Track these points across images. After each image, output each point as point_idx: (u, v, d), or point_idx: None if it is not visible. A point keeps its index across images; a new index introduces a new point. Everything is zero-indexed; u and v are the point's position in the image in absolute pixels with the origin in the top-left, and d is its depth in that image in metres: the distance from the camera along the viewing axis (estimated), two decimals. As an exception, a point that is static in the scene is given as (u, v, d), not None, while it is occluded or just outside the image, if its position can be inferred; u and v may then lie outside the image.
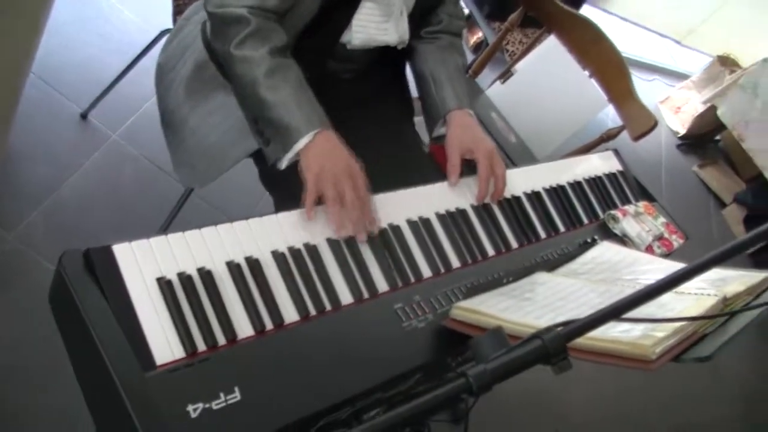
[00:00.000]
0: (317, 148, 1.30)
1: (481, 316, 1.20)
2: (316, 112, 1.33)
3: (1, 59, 1.56)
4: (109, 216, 2.00)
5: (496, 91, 2.37)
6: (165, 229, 1.82)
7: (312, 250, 1.20)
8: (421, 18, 1.65)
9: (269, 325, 1.07)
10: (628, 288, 1.33)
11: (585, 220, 1.75)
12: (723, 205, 4.44)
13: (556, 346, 0.86)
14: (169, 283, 1.02)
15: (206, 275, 1.06)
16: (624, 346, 1.00)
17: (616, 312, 0.91)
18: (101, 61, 2.34)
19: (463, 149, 1.53)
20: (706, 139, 4.80)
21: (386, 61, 1.70)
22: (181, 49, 1.61)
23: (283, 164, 1.34)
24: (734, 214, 4.32)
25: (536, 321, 1.16)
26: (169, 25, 1.85)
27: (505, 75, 2.36)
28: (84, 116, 2.20)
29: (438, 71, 1.66)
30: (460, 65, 1.71)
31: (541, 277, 1.42)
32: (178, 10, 1.80)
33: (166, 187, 2.19)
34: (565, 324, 0.89)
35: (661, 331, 1.01)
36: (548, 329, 0.87)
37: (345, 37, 1.53)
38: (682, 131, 4.68)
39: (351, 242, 1.25)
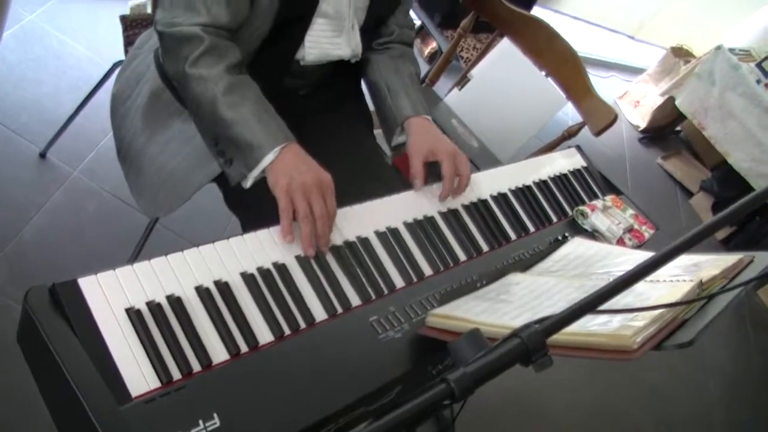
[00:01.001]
0: (283, 162, 1.27)
1: (458, 321, 1.19)
2: (279, 127, 1.31)
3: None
4: (75, 253, 1.97)
5: (454, 98, 2.37)
6: (133, 261, 1.80)
7: (281, 268, 1.18)
8: (372, 30, 1.64)
9: (244, 347, 1.05)
10: (602, 281, 1.33)
11: (554, 219, 1.75)
12: (690, 194, 4.49)
13: (535, 343, 0.86)
14: (138, 312, 1.00)
15: (176, 302, 1.04)
16: (604, 339, 1.00)
17: (592, 304, 0.91)
18: (55, 98, 2.31)
19: (425, 153, 1.53)
20: (667, 131, 4.86)
21: (341, 74, 1.70)
22: (135, 78, 1.59)
23: (248, 183, 1.32)
24: (702, 203, 4.37)
25: (513, 321, 1.16)
26: (122, 56, 1.83)
27: (462, 81, 2.37)
28: (43, 155, 2.17)
29: (392, 80, 1.66)
30: (413, 73, 1.71)
31: (514, 277, 1.42)
32: (128, 41, 1.78)
33: (131, 219, 2.16)
34: (542, 320, 0.89)
35: (640, 320, 1.01)
36: (526, 326, 0.87)
37: (299, 54, 1.52)
38: (643, 125, 4.73)
39: (321, 258, 1.24)
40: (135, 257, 1.84)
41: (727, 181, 4.21)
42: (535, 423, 2.56)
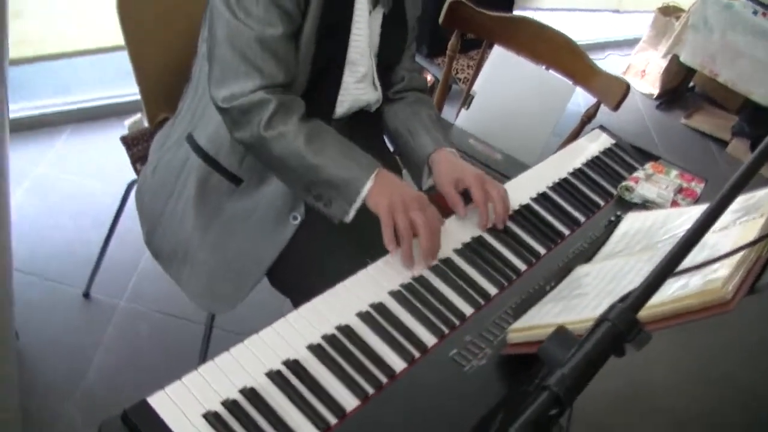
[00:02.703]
0: (380, 186, 1.33)
1: (539, 330, 1.14)
2: (366, 158, 1.37)
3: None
4: (142, 379, 1.94)
5: (464, 119, 2.34)
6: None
7: (346, 330, 1.14)
8: (383, 79, 1.64)
9: (332, 419, 1.00)
10: (670, 246, 1.27)
11: (601, 203, 1.70)
12: (724, 144, 4.38)
13: (626, 321, 0.80)
14: (216, 415, 0.95)
15: (251, 393, 0.99)
16: (694, 299, 0.94)
17: (670, 267, 0.85)
18: (82, 238, 2.32)
19: (453, 181, 1.50)
20: (681, 90, 4.77)
21: (364, 127, 1.69)
22: (173, 173, 1.58)
23: (350, 215, 1.36)
24: (739, 148, 4.26)
25: (595, 312, 1.10)
26: (132, 176, 1.83)
27: (466, 100, 2.33)
28: (86, 295, 2.17)
29: (411, 123, 1.66)
30: (432, 115, 1.71)
31: (582, 270, 1.36)
32: (136, 158, 1.78)
33: (187, 331, 2.15)
34: (624, 298, 0.83)
35: (725, 269, 0.95)
36: (611, 308, 0.81)
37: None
38: (656, 91, 4.65)
39: (381, 308, 1.20)
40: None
41: (756, 119, 4.11)
42: (647, 414, 2.44)
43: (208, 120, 1.54)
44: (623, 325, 0.80)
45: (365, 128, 1.68)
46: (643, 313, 0.82)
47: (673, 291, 0.98)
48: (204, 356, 1.78)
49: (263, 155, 1.41)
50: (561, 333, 0.84)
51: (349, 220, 1.37)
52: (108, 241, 2.07)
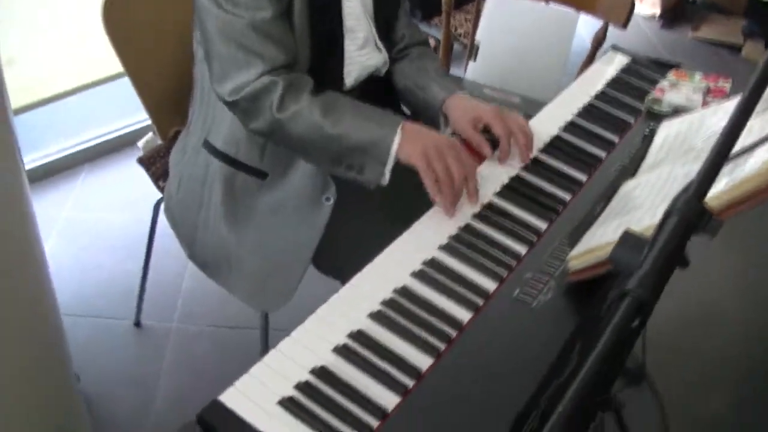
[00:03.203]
0: (409, 137, 1.30)
1: (600, 251, 1.09)
2: (387, 115, 1.35)
3: (22, 314, 1.51)
4: (211, 395, 1.92)
5: (473, 71, 2.29)
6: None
7: (404, 291, 1.10)
8: (385, 38, 1.61)
9: (408, 382, 0.97)
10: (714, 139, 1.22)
11: (631, 120, 1.65)
12: (737, 49, 4.28)
13: (694, 209, 0.75)
14: (291, 399, 0.92)
15: (322, 372, 0.96)
16: (760, 178, 0.89)
17: (725, 150, 0.81)
18: (120, 270, 2.31)
19: (471, 122, 1.46)
20: (682, 4, 4.67)
21: (377, 92, 1.65)
22: (198, 183, 1.56)
23: (387, 177, 1.32)
24: (754, 49, 4.15)
25: (654, 219, 1.05)
26: (156, 196, 1.81)
27: (472, 52, 2.28)
28: (137, 324, 2.15)
29: (419, 78, 1.62)
30: (438, 67, 1.68)
31: (629, 185, 1.31)
32: (157, 177, 1.75)
33: (243, 339, 2.14)
34: (686, 189, 0.78)
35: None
36: (675, 201, 0.77)
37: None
38: (657, 11, 4.55)
39: (434, 263, 1.16)
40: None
41: (765, 16, 4.01)
42: (719, 334, 2.39)
43: (221, 121, 1.51)
44: (692, 214, 0.75)
45: (378, 94, 1.64)
46: (712, 203, 0.78)
47: (726, 182, 0.94)
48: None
49: (283, 139, 1.37)
50: (630, 237, 0.80)
51: (386, 182, 1.33)
52: (147, 267, 2.05)
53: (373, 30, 1.56)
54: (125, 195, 2.60)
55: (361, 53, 1.53)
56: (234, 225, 1.53)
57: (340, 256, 1.50)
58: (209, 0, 1.33)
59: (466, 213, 1.28)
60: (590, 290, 1.13)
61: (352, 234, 1.50)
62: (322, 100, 1.34)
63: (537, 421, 1.00)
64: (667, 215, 0.77)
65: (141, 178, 2.58)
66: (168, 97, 1.72)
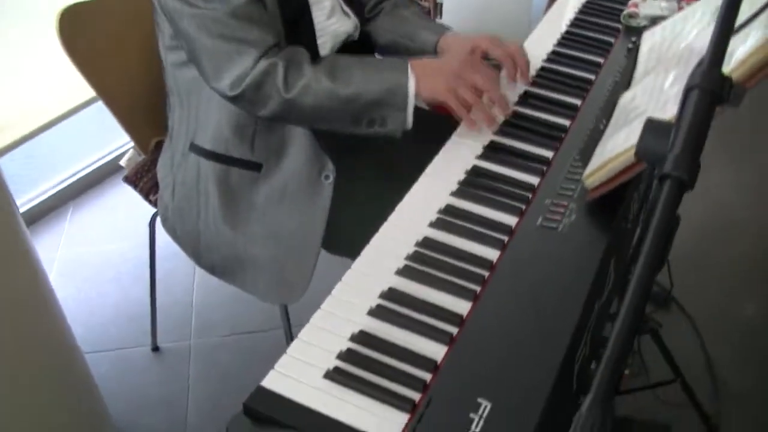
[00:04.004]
0: (423, 75, 1.28)
1: (614, 162, 1.06)
2: (392, 61, 1.33)
3: (46, 357, 1.49)
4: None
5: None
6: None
7: (426, 242, 1.07)
8: (353, 4, 1.57)
9: (452, 329, 0.93)
10: (704, 37, 1.19)
11: (611, 40, 1.63)
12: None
13: (715, 79, 0.72)
14: (336, 369, 0.89)
15: (361, 336, 0.93)
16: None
17: (729, 25, 0.78)
18: (127, 297, 2.26)
19: (469, 52, 1.43)
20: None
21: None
22: (192, 188, 1.51)
23: (409, 120, 1.30)
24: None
25: (665, 114, 1.02)
26: (150, 211, 1.76)
27: (436, 11, 2.25)
28: (155, 348, 2.11)
29: (402, 29, 1.59)
30: (417, 11, 1.65)
31: (626, 97, 1.29)
32: (147, 192, 1.70)
33: (266, 342, 2.11)
34: (699, 64, 0.75)
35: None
36: (693, 76, 0.74)
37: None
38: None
39: (450, 209, 1.13)
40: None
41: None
42: (734, 232, 2.39)
43: (205, 121, 1.47)
44: (714, 84, 0.72)
45: None
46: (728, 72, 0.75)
47: (743, 49, 0.91)
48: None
49: (297, 116, 1.34)
50: (654, 124, 0.77)
51: (410, 126, 1.30)
52: (154, 289, 2.00)
53: (339, 2, 1.52)
54: (117, 223, 2.55)
55: (331, 22, 1.49)
56: (237, 223, 1.48)
57: (350, 232, 1.46)
58: (178, 2, 1.28)
59: (470, 156, 1.25)
60: (612, 205, 1.10)
61: (357, 207, 1.46)
62: (325, 66, 1.30)
63: (592, 343, 0.98)
64: (687, 92, 0.74)
65: (129, 202, 2.56)
66: (141, 109, 1.67)
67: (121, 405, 1.94)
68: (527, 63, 1.44)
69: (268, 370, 1.84)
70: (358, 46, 1.59)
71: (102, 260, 2.41)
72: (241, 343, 2.13)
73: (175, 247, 1.61)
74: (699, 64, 0.75)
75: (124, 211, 2.59)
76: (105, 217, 2.59)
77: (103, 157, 2.73)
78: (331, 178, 1.44)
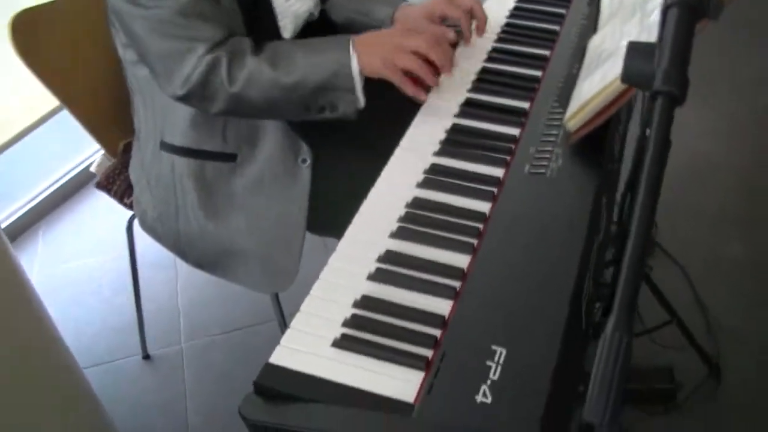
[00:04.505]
0: (364, 51, 1.24)
1: (594, 102, 1.06)
2: (332, 40, 1.29)
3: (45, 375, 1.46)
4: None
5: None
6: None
7: (416, 202, 1.06)
8: None
9: (455, 284, 0.92)
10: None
11: (570, -9, 1.62)
12: None
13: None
14: (344, 336, 0.87)
15: (365, 301, 0.91)
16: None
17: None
18: (111, 310, 2.22)
19: (427, 19, 1.43)
20: None
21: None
22: (169, 188, 1.48)
23: (361, 99, 1.26)
24: None
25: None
26: (122, 220, 1.73)
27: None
28: (146, 357, 2.07)
29: (357, 4, 1.57)
30: None
31: (596, 39, 1.28)
32: (120, 195, 1.66)
33: (259, 336, 2.09)
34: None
35: None
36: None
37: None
38: None
39: (436, 168, 1.12)
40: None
41: None
42: (712, 176, 2.41)
43: (172, 118, 1.43)
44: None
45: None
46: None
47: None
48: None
49: (246, 109, 1.31)
50: (635, 48, 0.76)
51: (362, 105, 1.27)
52: (138, 295, 1.96)
53: None
54: (91, 236, 2.50)
55: (291, 2, 1.47)
56: (219, 216, 1.46)
57: (334, 212, 1.44)
58: (127, 4, 1.24)
59: (447, 115, 1.24)
60: (596, 145, 1.10)
61: (340, 186, 1.45)
62: (267, 55, 1.27)
63: (591, 284, 0.97)
64: (666, 10, 0.74)
65: (101, 214, 2.52)
66: (106, 112, 1.63)
67: (120, 417, 1.90)
68: (484, 13, 1.43)
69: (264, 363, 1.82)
70: (319, 24, 1.57)
71: (80, 275, 2.37)
72: (232, 341, 2.10)
73: (153, 254, 1.58)
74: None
75: (97, 223, 2.55)
76: (78, 231, 2.55)
77: (70, 171, 2.67)
78: (308, 162, 1.42)
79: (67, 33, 1.56)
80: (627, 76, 0.76)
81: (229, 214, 1.45)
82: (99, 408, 1.69)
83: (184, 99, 1.28)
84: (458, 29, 1.42)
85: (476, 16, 1.42)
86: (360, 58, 1.23)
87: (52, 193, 2.62)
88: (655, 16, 1.07)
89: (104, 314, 2.22)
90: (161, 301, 2.22)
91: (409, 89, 1.23)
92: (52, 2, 1.54)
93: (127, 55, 1.41)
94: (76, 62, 1.58)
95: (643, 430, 1.75)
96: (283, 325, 1.62)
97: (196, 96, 1.27)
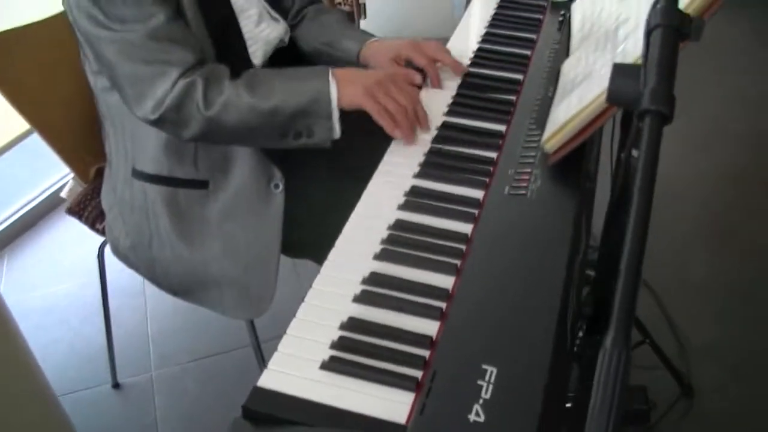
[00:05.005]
0: (344, 81, 1.25)
1: (571, 124, 1.08)
2: (312, 70, 1.31)
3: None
4: (220, 424, 1.84)
5: (367, 28, 2.25)
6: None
7: (398, 225, 1.06)
8: (278, 10, 1.55)
9: (440, 304, 0.93)
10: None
11: (540, 17, 1.66)
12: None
13: (675, 15, 0.75)
14: (333, 359, 0.87)
15: (352, 323, 0.91)
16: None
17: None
18: (80, 337, 2.19)
19: (394, 60, 1.45)
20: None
21: (289, 63, 1.60)
22: (142, 214, 1.46)
23: (337, 129, 1.27)
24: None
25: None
26: (96, 242, 1.71)
27: (360, 11, 2.25)
28: (116, 385, 2.04)
29: (325, 36, 1.57)
30: (340, 18, 1.63)
31: (570, 62, 1.31)
32: (92, 222, 1.65)
33: (228, 363, 2.07)
34: (654, 4, 0.77)
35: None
36: (649, 17, 0.76)
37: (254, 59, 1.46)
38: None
39: (416, 191, 1.13)
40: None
41: None
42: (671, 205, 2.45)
43: (142, 145, 1.42)
44: (675, 20, 0.74)
45: (291, 65, 1.59)
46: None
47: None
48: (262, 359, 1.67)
49: (222, 134, 1.30)
50: (620, 69, 0.78)
51: (338, 135, 1.27)
52: (108, 321, 1.93)
53: (264, 3, 1.50)
54: (57, 265, 2.46)
55: (261, 28, 1.47)
56: (193, 244, 1.44)
57: (310, 235, 1.45)
58: (96, 27, 1.23)
59: (425, 139, 1.26)
60: (573, 166, 1.12)
61: (314, 209, 1.45)
62: (244, 81, 1.27)
63: (575, 301, 0.98)
64: (649, 33, 0.76)
65: (67, 242, 2.48)
66: (78, 137, 1.62)
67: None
68: (453, 60, 1.45)
69: (237, 390, 1.81)
70: (289, 51, 1.57)
71: (47, 304, 2.33)
72: (204, 368, 2.08)
73: (121, 282, 1.57)
74: (655, 4, 0.77)
75: (63, 250, 2.51)
76: (43, 259, 2.51)
77: (35, 197, 2.63)
78: (281, 187, 1.42)
79: (39, 57, 1.55)
80: (612, 96, 0.77)
81: (203, 241, 1.44)
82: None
83: (156, 123, 1.27)
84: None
85: (443, 62, 1.44)
86: (339, 88, 1.24)
87: (17, 220, 2.58)
88: (628, 45, 1.10)
89: (72, 343, 2.18)
90: (130, 329, 2.19)
91: (385, 121, 1.24)
92: (24, 27, 1.53)
93: (98, 82, 1.40)
94: (48, 87, 1.57)
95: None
96: (258, 350, 1.61)
97: (170, 120, 1.26)
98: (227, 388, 1.98)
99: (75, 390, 2.05)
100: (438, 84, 1.42)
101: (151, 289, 1.52)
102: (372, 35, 1.56)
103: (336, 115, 1.25)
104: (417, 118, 1.27)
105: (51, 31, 1.56)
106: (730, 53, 3.28)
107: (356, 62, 1.51)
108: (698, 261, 2.25)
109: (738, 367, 1.93)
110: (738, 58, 3.32)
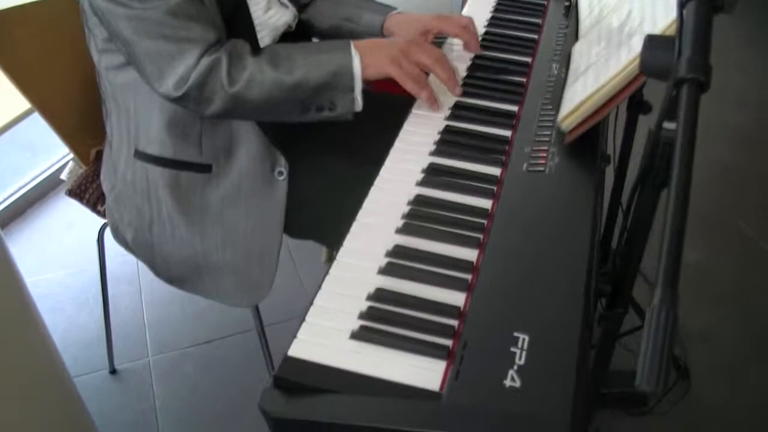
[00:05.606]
0: (367, 53, 1.26)
1: (588, 102, 1.09)
2: (333, 43, 1.30)
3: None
4: (223, 408, 1.84)
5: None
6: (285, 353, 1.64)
7: (418, 200, 1.07)
8: None
9: (467, 276, 0.94)
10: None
11: (543, 2, 1.67)
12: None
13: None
14: (363, 328, 0.87)
15: (379, 294, 0.92)
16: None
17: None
18: (76, 324, 2.17)
19: (423, 35, 1.46)
20: None
21: None
22: (144, 196, 1.45)
23: (359, 101, 1.27)
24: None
25: (631, 54, 1.05)
26: (97, 224, 1.69)
27: None
28: (113, 371, 2.03)
29: (343, 11, 1.58)
30: None
31: (581, 44, 1.32)
32: (92, 204, 1.63)
33: (225, 349, 2.07)
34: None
35: None
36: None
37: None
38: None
39: (434, 167, 1.14)
40: (271, 367, 1.69)
41: None
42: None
43: (147, 125, 1.41)
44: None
45: None
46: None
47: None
48: (269, 356, 1.66)
49: (245, 110, 1.30)
50: (653, 41, 0.79)
51: (360, 107, 1.27)
52: (107, 305, 1.91)
53: None
54: (49, 251, 2.44)
55: (269, 15, 1.47)
56: (194, 229, 1.44)
57: (315, 217, 1.45)
58: (113, 5, 1.22)
59: (438, 118, 1.26)
60: (589, 143, 1.13)
61: (319, 191, 1.45)
62: (266, 56, 1.27)
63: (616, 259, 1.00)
64: (682, 4, 0.77)
65: (60, 228, 2.46)
66: (79, 118, 1.61)
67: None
68: (475, 34, 1.47)
69: (236, 375, 1.82)
70: (295, 37, 1.57)
71: (40, 291, 2.30)
72: (201, 353, 2.07)
73: (116, 267, 1.54)
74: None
75: (56, 237, 2.49)
76: (35, 246, 2.48)
77: (25, 185, 2.61)
78: (285, 174, 1.42)
79: (41, 36, 1.53)
80: (646, 67, 0.79)
81: (204, 226, 1.44)
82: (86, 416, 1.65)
83: (178, 100, 1.27)
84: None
85: (470, 32, 1.45)
86: (363, 59, 1.24)
87: (9, 206, 2.55)
88: (636, 41, 1.11)
89: (68, 330, 2.17)
90: (126, 315, 2.18)
91: (413, 88, 1.26)
92: (25, 5, 1.51)
93: (103, 61, 1.39)
94: (49, 65, 1.55)
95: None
96: (263, 335, 1.61)
97: (192, 97, 1.25)
98: (226, 373, 1.98)
99: (72, 376, 2.03)
100: (476, 47, 1.45)
101: (147, 275, 1.51)
102: (393, 7, 1.57)
103: (359, 87, 1.25)
104: (445, 76, 1.29)
105: (52, 10, 1.54)
106: (724, 50, 3.33)
107: (380, 35, 1.52)
108: (691, 247, 2.28)
109: (732, 352, 1.96)
110: (732, 54, 3.38)
